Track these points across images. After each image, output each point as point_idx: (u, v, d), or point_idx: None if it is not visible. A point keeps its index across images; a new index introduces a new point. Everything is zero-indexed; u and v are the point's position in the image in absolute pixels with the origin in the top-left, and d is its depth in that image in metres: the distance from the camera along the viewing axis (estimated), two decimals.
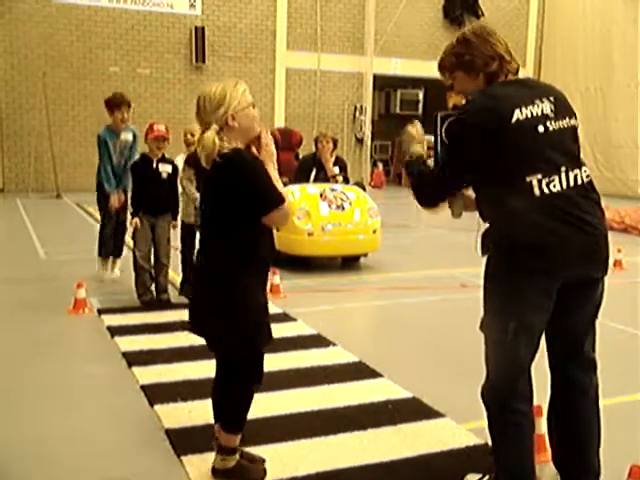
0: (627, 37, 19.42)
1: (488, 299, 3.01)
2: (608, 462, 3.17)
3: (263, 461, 3.46)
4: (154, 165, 6.53)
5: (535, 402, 3.07)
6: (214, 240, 3.25)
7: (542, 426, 3.36)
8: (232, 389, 3.33)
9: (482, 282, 3.03)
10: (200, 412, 3.96)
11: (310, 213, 8.22)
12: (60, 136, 17.82)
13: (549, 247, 2.81)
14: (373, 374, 4.84)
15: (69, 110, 18.10)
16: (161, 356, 5.11)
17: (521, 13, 22.86)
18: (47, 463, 3.53)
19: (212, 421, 3.45)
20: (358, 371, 4.92)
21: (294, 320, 6.21)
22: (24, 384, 4.62)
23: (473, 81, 3.06)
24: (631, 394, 4.57)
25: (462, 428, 3.94)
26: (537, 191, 2.81)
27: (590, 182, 2.95)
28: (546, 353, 3.14)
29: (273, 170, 3.22)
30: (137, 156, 7.02)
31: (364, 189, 9.19)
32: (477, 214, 3.05)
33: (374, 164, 22.21)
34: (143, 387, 4.54)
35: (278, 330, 5.80)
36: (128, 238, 7.51)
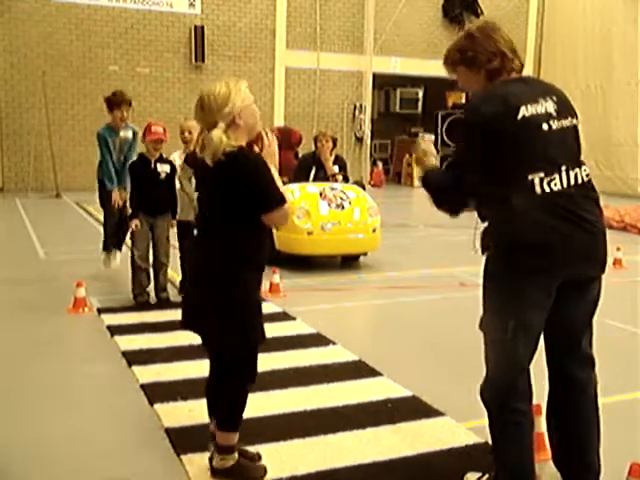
0: (627, 37, 19.40)
1: (487, 298, 3.01)
2: (608, 460, 3.17)
3: (259, 457, 3.47)
4: (152, 165, 6.53)
5: (534, 401, 3.08)
6: (213, 239, 3.25)
7: (542, 425, 3.36)
8: (227, 388, 3.34)
9: (481, 281, 3.03)
10: (200, 411, 3.95)
11: (310, 212, 8.22)
12: (60, 135, 17.81)
13: (550, 246, 2.82)
14: (372, 373, 4.85)
15: (68, 109, 18.09)
16: (161, 355, 5.12)
17: (521, 12, 22.84)
18: (47, 463, 3.53)
19: None
20: (357, 370, 4.92)
21: (293, 319, 6.22)
22: (24, 384, 4.63)
23: (475, 76, 3.06)
24: (631, 392, 4.58)
25: (462, 427, 3.94)
26: (538, 189, 2.81)
27: (589, 181, 2.96)
28: (544, 351, 3.14)
29: (274, 170, 3.25)
30: (135, 155, 7.04)
31: (364, 188, 9.19)
32: (475, 213, 3.05)
33: (374, 163, 22.20)
34: (143, 386, 4.55)
35: (278, 329, 5.84)
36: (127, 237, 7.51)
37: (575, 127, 3.00)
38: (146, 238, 6.59)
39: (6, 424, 3.98)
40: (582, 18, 21.09)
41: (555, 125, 2.90)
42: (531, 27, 23.05)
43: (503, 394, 2.95)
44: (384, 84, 22.69)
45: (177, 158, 7.00)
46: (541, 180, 2.82)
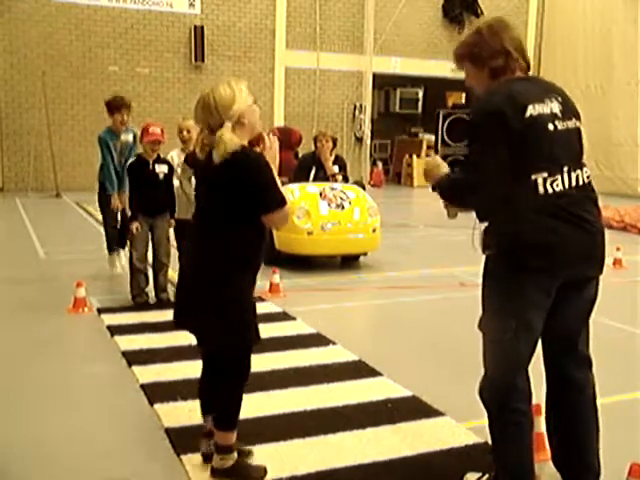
0: (627, 37, 19.39)
1: (487, 298, 3.01)
2: (608, 461, 3.17)
3: (249, 452, 3.51)
4: (150, 166, 6.54)
5: (534, 401, 3.08)
6: (210, 238, 3.27)
7: (541, 425, 3.36)
8: (222, 388, 3.35)
9: (481, 280, 3.04)
10: (200, 411, 3.96)
11: (310, 212, 8.22)
12: (59, 135, 17.80)
13: (551, 247, 2.82)
14: (372, 373, 4.85)
15: (68, 109, 18.09)
16: (160, 355, 5.12)
17: (520, 12, 22.84)
18: (47, 463, 3.53)
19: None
20: (357, 370, 4.92)
21: (293, 319, 6.22)
22: (24, 384, 4.63)
23: (479, 74, 3.05)
24: (630, 392, 4.58)
25: (462, 427, 3.94)
26: (541, 189, 2.81)
27: (589, 183, 2.96)
28: (541, 351, 3.14)
29: (274, 171, 3.28)
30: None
31: (364, 188, 9.19)
32: (474, 214, 3.03)
33: (374, 163, 22.20)
34: (143, 386, 4.55)
35: (277, 329, 5.84)
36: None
37: (578, 129, 3.00)
38: (145, 239, 6.60)
39: (6, 424, 3.99)
40: (582, 18, 21.08)
41: (560, 126, 2.89)
42: (531, 27, 23.05)
43: (503, 394, 2.95)
44: (384, 84, 22.69)
45: (175, 157, 7.02)
46: (544, 180, 2.82)
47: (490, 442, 3.14)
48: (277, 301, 6.82)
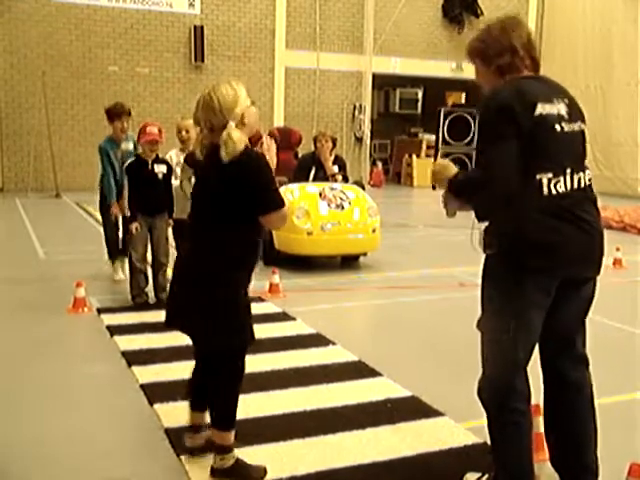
0: (627, 37, 19.39)
1: (487, 297, 3.01)
2: (607, 461, 3.17)
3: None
4: (149, 167, 6.54)
5: (533, 401, 3.08)
6: (206, 238, 3.28)
7: (541, 425, 3.37)
8: (219, 388, 3.37)
9: (480, 281, 3.04)
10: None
11: (309, 212, 8.22)
12: (59, 135, 17.80)
13: (553, 247, 2.83)
14: (372, 373, 4.85)
15: (68, 109, 18.08)
16: (160, 355, 5.12)
17: (520, 12, 22.78)
18: (47, 463, 3.54)
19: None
20: (357, 370, 4.93)
21: (293, 319, 6.22)
22: (24, 384, 4.63)
23: (487, 71, 3.05)
24: (629, 392, 4.58)
25: (461, 427, 3.95)
26: (545, 190, 2.81)
27: (590, 185, 2.97)
28: (538, 351, 3.14)
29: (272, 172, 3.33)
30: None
31: (363, 188, 9.19)
32: (472, 213, 3.03)
33: (373, 163, 22.20)
34: (142, 386, 4.55)
35: (277, 329, 5.85)
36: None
37: (583, 132, 3.00)
38: (144, 240, 6.61)
39: (6, 424, 3.99)
40: (582, 18, 21.08)
41: (567, 128, 2.90)
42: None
43: (502, 394, 2.95)
44: (384, 84, 22.69)
45: (173, 156, 7.03)
46: (549, 181, 2.82)
47: (489, 442, 3.14)
48: (277, 301, 6.82)
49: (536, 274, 2.85)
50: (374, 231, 8.53)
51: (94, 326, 5.98)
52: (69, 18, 17.77)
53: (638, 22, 18.99)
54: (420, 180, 21.24)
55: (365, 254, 8.87)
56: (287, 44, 20.11)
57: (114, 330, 5.75)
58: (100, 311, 6.34)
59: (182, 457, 3.55)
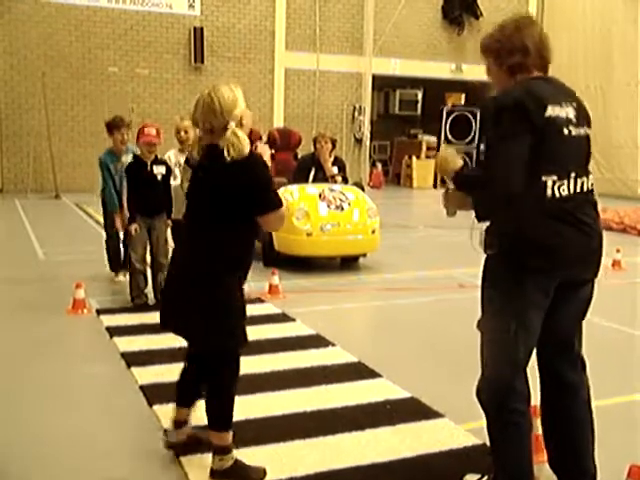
0: (627, 37, 19.40)
1: (487, 298, 3.01)
2: (606, 463, 3.18)
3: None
4: (148, 168, 6.55)
5: (532, 402, 3.08)
6: (203, 239, 3.29)
7: (540, 426, 3.37)
8: (215, 389, 3.38)
9: (480, 282, 3.04)
10: (198, 413, 3.96)
11: (309, 213, 8.22)
12: (59, 136, 17.80)
13: (553, 248, 2.83)
14: (372, 374, 4.85)
15: (68, 110, 18.08)
16: (159, 356, 5.11)
17: (520, 13, 22.81)
18: (47, 463, 3.54)
19: None
20: (357, 371, 4.93)
21: (293, 320, 6.22)
22: (24, 384, 4.63)
23: (498, 69, 3.04)
24: (628, 394, 4.58)
25: (461, 428, 3.95)
26: (549, 192, 2.82)
27: (592, 190, 2.98)
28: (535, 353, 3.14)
29: None
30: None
31: (363, 189, 9.19)
32: (472, 213, 3.02)
33: (373, 164, 22.19)
34: (142, 387, 4.55)
35: (277, 330, 5.85)
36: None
37: (588, 137, 3.00)
38: (144, 241, 6.61)
39: (6, 424, 3.99)
40: (582, 18, 21.08)
41: (574, 132, 2.90)
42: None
43: (502, 395, 2.95)
44: (383, 85, 22.70)
45: (172, 156, 7.05)
46: (553, 183, 2.82)
47: (489, 443, 3.14)
48: (276, 302, 6.82)
49: (536, 274, 2.86)
50: (373, 232, 8.53)
51: (93, 327, 5.98)
52: (69, 19, 17.78)
53: (638, 22, 19.00)
54: (420, 181, 21.25)
55: (365, 255, 8.87)
56: (287, 45, 20.11)
57: (113, 331, 5.76)
58: (99, 312, 6.35)
59: (181, 458, 3.55)
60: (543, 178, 2.82)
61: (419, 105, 22.78)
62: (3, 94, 17.54)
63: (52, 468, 3.49)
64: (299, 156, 10.06)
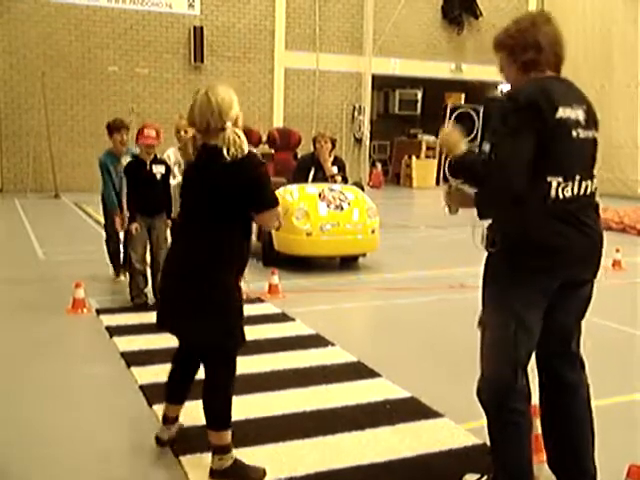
0: (627, 37, 19.40)
1: (488, 297, 3.01)
2: (606, 463, 3.18)
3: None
4: (148, 167, 6.56)
5: (532, 402, 3.08)
6: (200, 238, 3.29)
7: (539, 426, 3.37)
8: (213, 388, 3.38)
9: (481, 281, 3.04)
10: (198, 412, 3.95)
11: (309, 213, 8.22)
12: (59, 136, 17.80)
13: (554, 249, 2.84)
14: (371, 374, 4.85)
15: (68, 110, 18.08)
16: (159, 356, 5.10)
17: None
18: (47, 463, 3.54)
19: None
20: (356, 371, 4.93)
21: (292, 320, 6.22)
22: (24, 384, 4.63)
23: (511, 65, 3.03)
24: (628, 394, 4.58)
25: (461, 428, 3.95)
26: (553, 193, 2.82)
27: (595, 193, 2.98)
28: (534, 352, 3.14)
29: None
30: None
31: (363, 189, 9.19)
32: (474, 212, 3.02)
33: (373, 164, 22.19)
34: (142, 387, 4.55)
35: (277, 330, 5.85)
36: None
37: (595, 140, 2.99)
38: (143, 240, 6.62)
39: (6, 424, 3.99)
40: (582, 18, 21.08)
41: (582, 134, 2.89)
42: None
43: (502, 394, 2.95)
44: (383, 85, 22.70)
45: (171, 155, 7.06)
46: (558, 184, 2.82)
47: (489, 443, 3.14)
48: (276, 302, 6.82)
49: (537, 274, 2.86)
50: (373, 232, 8.53)
51: (93, 327, 5.98)
52: (69, 19, 17.77)
53: (638, 22, 19.01)
54: (419, 181, 21.25)
55: (364, 255, 8.87)
56: (287, 45, 20.11)
57: (113, 331, 5.76)
58: (99, 312, 6.35)
59: (181, 458, 3.55)
60: (548, 179, 2.82)
61: (419, 105, 22.79)
62: (2, 94, 17.54)
63: (52, 468, 3.49)
64: (299, 156, 10.06)
